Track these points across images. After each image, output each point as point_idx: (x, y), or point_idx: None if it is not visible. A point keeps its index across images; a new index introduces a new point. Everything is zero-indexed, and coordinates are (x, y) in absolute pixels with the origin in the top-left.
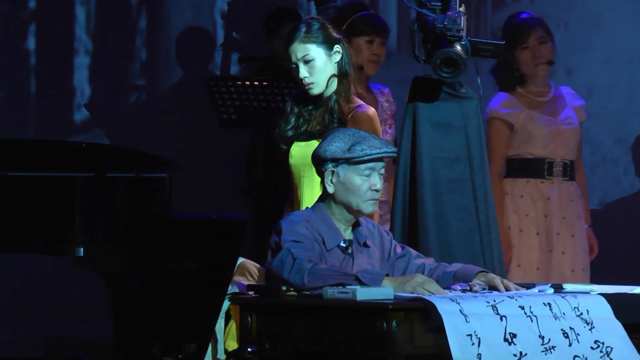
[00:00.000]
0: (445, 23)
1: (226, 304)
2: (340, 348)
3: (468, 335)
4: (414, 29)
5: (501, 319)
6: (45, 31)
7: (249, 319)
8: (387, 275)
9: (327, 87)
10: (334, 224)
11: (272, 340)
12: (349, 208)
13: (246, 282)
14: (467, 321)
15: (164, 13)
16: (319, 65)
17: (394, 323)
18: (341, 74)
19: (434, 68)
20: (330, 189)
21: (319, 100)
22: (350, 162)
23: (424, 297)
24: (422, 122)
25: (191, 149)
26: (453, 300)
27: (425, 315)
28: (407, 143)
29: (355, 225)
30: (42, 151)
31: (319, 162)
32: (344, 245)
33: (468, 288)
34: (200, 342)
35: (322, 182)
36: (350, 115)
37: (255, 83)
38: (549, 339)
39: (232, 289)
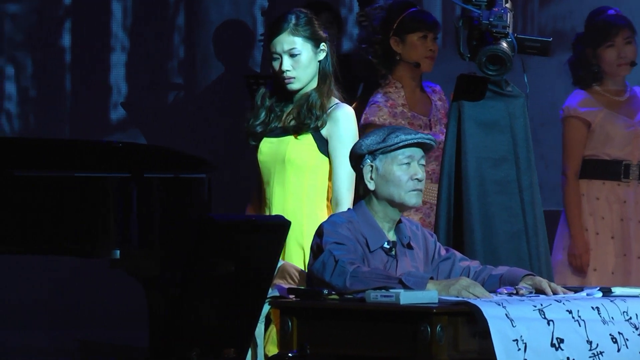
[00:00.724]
0: (491, 19)
1: (266, 307)
2: (383, 353)
3: (514, 340)
4: (459, 25)
5: (548, 324)
6: (81, 28)
7: (290, 324)
8: (432, 278)
9: (306, 85)
10: (377, 224)
11: (314, 345)
12: (391, 202)
13: (287, 286)
14: (513, 326)
15: (202, 9)
16: (304, 60)
17: (438, 327)
18: (324, 74)
19: (479, 66)
20: (371, 185)
21: (291, 95)
22: (387, 151)
23: (469, 301)
24: (467, 121)
25: (230, 149)
26: (499, 304)
27: (471, 320)
28: (452, 143)
29: (399, 226)
30: (77, 151)
31: (357, 159)
32: (387, 246)
33: (514, 291)
34: (240, 347)
35: (362, 182)
36: (329, 114)
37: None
38: (597, 344)
39: (272, 292)
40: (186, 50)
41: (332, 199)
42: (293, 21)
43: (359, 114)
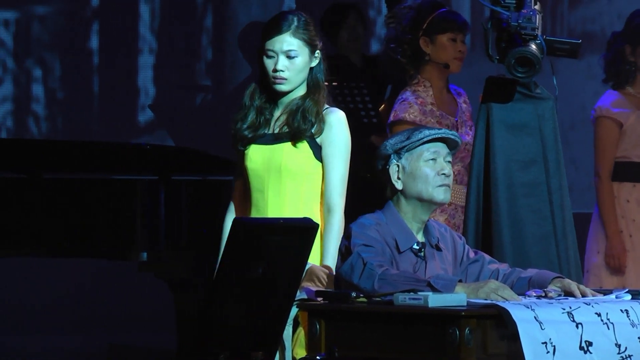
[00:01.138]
0: (520, 21)
1: (294, 310)
2: (411, 356)
3: (543, 343)
4: (488, 27)
5: (577, 327)
6: (109, 30)
7: (318, 326)
8: (460, 281)
9: (294, 88)
10: (406, 225)
11: (342, 348)
12: (420, 199)
13: (315, 288)
14: (542, 328)
15: (230, 10)
16: (299, 63)
17: (466, 330)
18: (316, 81)
19: (508, 68)
20: (399, 185)
21: (276, 98)
22: (412, 147)
23: (497, 303)
24: (495, 124)
25: None
26: (528, 307)
27: (499, 323)
28: (481, 145)
29: (427, 227)
30: (105, 153)
31: (383, 160)
32: (417, 247)
33: (543, 294)
34: (268, 350)
35: (389, 183)
36: (323, 118)
37: (325, 83)
38: (626, 347)
39: (300, 295)
40: (214, 52)
41: (324, 205)
42: (295, 23)
43: (387, 115)
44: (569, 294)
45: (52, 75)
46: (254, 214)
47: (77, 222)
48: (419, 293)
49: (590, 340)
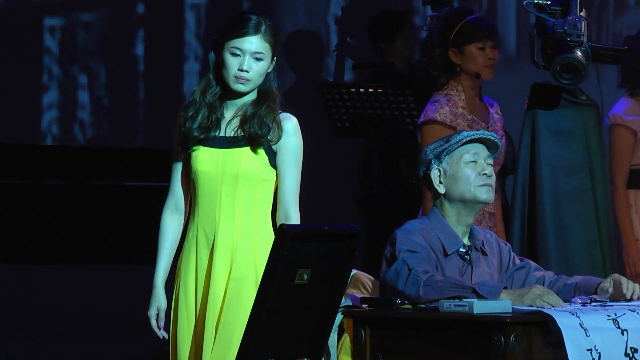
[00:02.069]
0: (566, 28)
1: (339, 317)
2: None
3: (588, 350)
4: (534, 34)
5: (622, 333)
6: (155, 37)
7: (363, 333)
8: (505, 287)
9: (252, 91)
10: (452, 229)
11: (387, 355)
12: (463, 201)
13: (360, 295)
14: (587, 335)
15: (276, 18)
16: (263, 68)
17: (512, 337)
18: (270, 88)
19: (553, 74)
20: (441, 189)
21: (227, 98)
22: (452, 149)
23: (542, 310)
24: (541, 130)
25: (304, 158)
26: (573, 314)
27: (544, 329)
28: (526, 151)
29: (471, 231)
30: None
31: (424, 166)
32: (463, 250)
33: (588, 301)
34: (313, 357)
35: (432, 188)
36: (279, 124)
37: (370, 90)
38: None
39: (345, 301)
40: None
41: (280, 212)
42: (264, 26)
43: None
44: (617, 289)
45: (97, 82)
46: (202, 216)
47: (118, 229)
48: (464, 300)
49: (636, 347)
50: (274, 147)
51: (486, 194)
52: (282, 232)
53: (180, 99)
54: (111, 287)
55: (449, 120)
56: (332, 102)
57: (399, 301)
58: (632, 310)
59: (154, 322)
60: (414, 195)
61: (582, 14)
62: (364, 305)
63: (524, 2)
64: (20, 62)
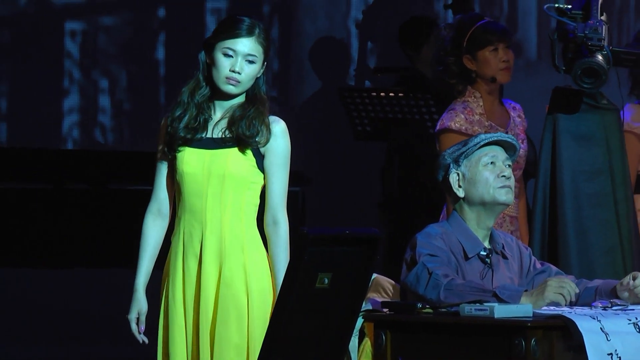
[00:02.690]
0: (587, 32)
1: (360, 321)
2: None
3: (609, 354)
4: (554, 38)
5: None
6: (175, 41)
7: (384, 337)
8: (526, 291)
9: (242, 94)
10: (472, 232)
11: (408, 359)
12: (483, 203)
13: (380, 299)
14: (608, 339)
15: (296, 22)
16: (254, 71)
17: (533, 341)
18: (260, 92)
19: (574, 78)
20: (461, 193)
21: (215, 99)
22: (470, 153)
23: (563, 314)
24: (562, 134)
25: (325, 162)
26: (594, 318)
27: (565, 333)
28: (547, 155)
29: (492, 235)
30: None
31: (443, 170)
32: (484, 253)
33: (609, 305)
34: None
35: (451, 192)
36: (268, 127)
37: (391, 94)
38: None
39: (366, 306)
40: (281, 63)
41: (268, 216)
42: (258, 29)
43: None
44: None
45: (118, 86)
46: (189, 219)
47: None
48: (485, 304)
49: None
50: (261, 149)
51: (505, 196)
52: (302, 236)
53: None
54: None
55: (464, 128)
56: (353, 106)
57: (419, 305)
58: None
59: (134, 326)
60: (434, 198)
61: (602, 17)
62: (385, 310)
63: (545, 7)
64: (41, 66)
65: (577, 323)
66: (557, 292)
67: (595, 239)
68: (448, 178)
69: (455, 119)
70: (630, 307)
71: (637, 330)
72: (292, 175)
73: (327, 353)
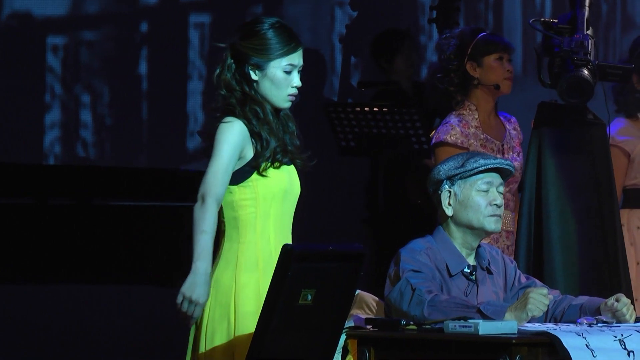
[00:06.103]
0: (572, 46)
1: (343, 338)
2: None
3: None
4: (540, 52)
5: (629, 354)
6: (158, 56)
7: (367, 354)
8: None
9: None
10: (457, 249)
11: None
12: (470, 228)
13: (364, 316)
14: (593, 356)
15: None
16: None
17: (517, 358)
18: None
19: (560, 93)
20: (449, 211)
21: (267, 109)
22: (466, 176)
23: (549, 331)
24: (547, 149)
25: (309, 177)
26: (579, 335)
27: (551, 350)
28: (533, 170)
29: (478, 250)
30: (153, 180)
31: (435, 184)
32: (468, 270)
33: (595, 321)
34: None
35: (440, 207)
36: None
37: (375, 109)
38: None
39: (349, 322)
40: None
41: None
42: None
43: None
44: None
45: (100, 101)
46: (278, 238)
47: (128, 249)
48: (470, 320)
49: None
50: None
51: (494, 225)
52: (286, 252)
53: (184, 118)
54: (114, 308)
55: (460, 141)
56: (337, 121)
57: (403, 322)
58: (638, 331)
59: (199, 312)
60: (419, 215)
61: (589, 32)
62: (369, 326)
63: (530, 20)
64: (23, 81)
65: (562, 340)
66: (536, 308)
67: (581, 254)
68: (439, 193)
69: (450, 132)
70: (616, 324)
71: (623, 347)
72: None
73: None
